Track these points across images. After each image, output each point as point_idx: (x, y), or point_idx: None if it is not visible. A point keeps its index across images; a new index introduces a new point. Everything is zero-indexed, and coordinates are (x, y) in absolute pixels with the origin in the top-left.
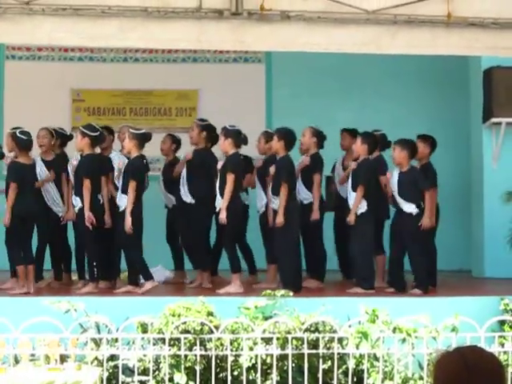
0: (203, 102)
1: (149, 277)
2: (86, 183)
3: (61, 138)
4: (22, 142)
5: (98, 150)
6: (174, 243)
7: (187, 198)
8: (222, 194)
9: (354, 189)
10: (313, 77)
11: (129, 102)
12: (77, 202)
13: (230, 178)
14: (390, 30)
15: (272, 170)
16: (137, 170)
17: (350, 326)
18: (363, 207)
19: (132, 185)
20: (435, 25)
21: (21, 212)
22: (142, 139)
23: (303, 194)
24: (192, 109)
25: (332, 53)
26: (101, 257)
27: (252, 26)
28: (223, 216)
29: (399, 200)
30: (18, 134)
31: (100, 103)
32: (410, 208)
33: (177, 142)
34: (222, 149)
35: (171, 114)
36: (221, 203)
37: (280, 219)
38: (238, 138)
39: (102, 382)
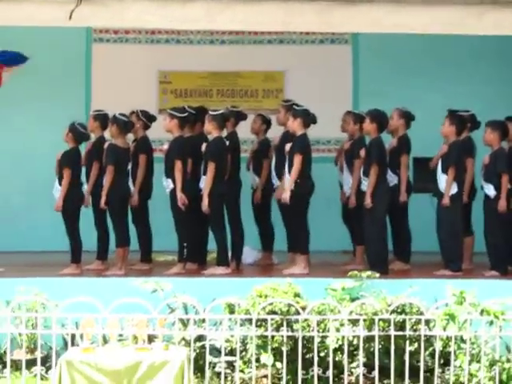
0: (290, 84)
1: (222, 262)
2: (178, 165)
3: (145, 119)
4: (122, 125)
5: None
6: (261, 224)
7: (276, 180)
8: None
9: (445, 171)
10: (400, 57)
11: (215, 84)
12: (168, 183)
13: (298, 158)
14: (476, 10)
15: (362, 152)
16: (216, 151)
17: (437, 308)
18: (454, 189)
19: (211, 166)
20: None
21: (120, 194)
22: (221, 120)
23: (389, 177)
24: (279, 90)
25: (419, 33)
26: (191, 238)
27: (338, 8)
28: (286, 196)
29: (482, 181)
30: (118, 116)
31: (187, 85)
32: (488, 189)
33: (267, 123)
34: (291, 129)
35: (258, 95)
36: (287, 183)
37: (368, 201)
38: (307, 117)
39: (189, 362)
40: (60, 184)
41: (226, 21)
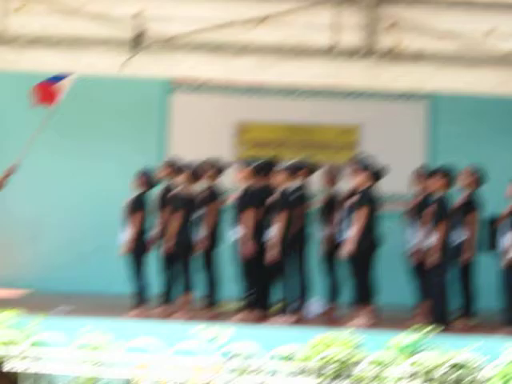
0: (365, 138)
1: (287, 312)
2: (249, 214)
3: (217, 168)
4: (192, 173)
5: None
6: (329, 275)
7: (344, 233)
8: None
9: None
10: (476, 116)
11: (291, 136)
12: (236, 231)
13: (361, 212)
14: None
15: (430, 208)
16: (285, 201)
17: (495, 366)
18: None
19: (280, 216)
20: None
21: (186, 241)
22: (292, 171)
23: (456, 234)
24: (354, 144)
25: (497, 93)
26: (258, 286)
27: (386, 66)
28: (349, 249)
29: None
30: (189, 164)
31: (263, 136)
32: None
33: (338, 175)
34: (357, 182)
35: (333, 148)
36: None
37: (434, 257)
38: (373, 171)
39: None
40: (127, 228)
41: (275, 74)
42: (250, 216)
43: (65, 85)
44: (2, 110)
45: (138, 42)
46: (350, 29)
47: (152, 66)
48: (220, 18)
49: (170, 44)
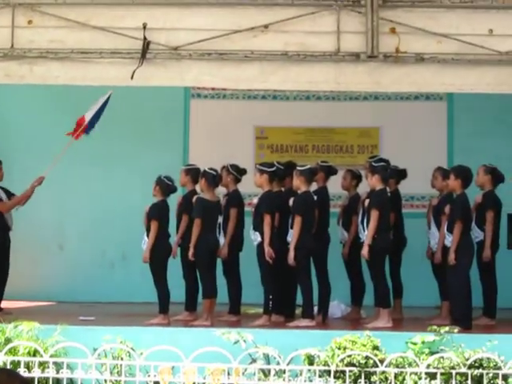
0: (385, 140)
1: (308, 315)
2: (267, 219)
3: (236, 173)
4: (211, 179)
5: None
6: (351, 278)
7: (363, 235)
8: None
9: None
10: (495, 115)
11: (311, 140)
12: (256, 236)
13: (375, 213)
14: None
15: (447, 208)
16: (303, 205)
17: None
18: None
19: (297, 220)
20: None
21: (207, 247)
22: (310, 175)
23: (475, 233)
24: (374, 146)
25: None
26: (277, 291)
27: (387, 68)
28: (365, 251)
29: None
30: (208, 170)
31: (283, 140)
32: None
33: (357, 178)
34: (370, 185)
35: (353, 151)
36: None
37: (451, 257)
38: (385, 173)
39: None
40: (148, 236)
41: (279, 81)
42: (266, 222)
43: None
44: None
45: (144, 53)
46: (351, 34)
47: (159, 76)
48: (223, 27)
49: (175, 54)
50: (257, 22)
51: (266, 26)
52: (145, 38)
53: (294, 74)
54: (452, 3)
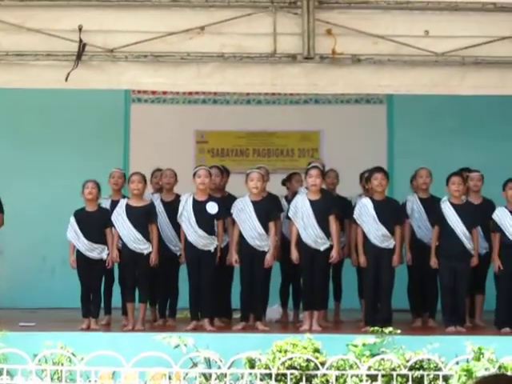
0: (325, 143)
1: (244, 319)
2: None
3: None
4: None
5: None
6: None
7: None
8: None
9: None
10: (434, 117)
11: (252, 144)
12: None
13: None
14: (458, 71)
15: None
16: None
17: (457, 363)
18: None
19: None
20: (503, 65)
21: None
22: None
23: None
24: (314, 150)
25: (452, 94)
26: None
27: (324, 70)
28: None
29: None
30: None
31: (223, 144)
32: None
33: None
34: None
35: (294, 154)
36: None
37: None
38: None
39: None
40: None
41: (216, 82)
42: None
43: None
44: None
45: (80, 55)
46: (288, 35)
47: (95, 78)
48: (160, 29)
49: (111, 56)
50: (193, 24)
51: (202, 28)
52: (80, 40)
53: (230, 76)
54: (388, 4)
